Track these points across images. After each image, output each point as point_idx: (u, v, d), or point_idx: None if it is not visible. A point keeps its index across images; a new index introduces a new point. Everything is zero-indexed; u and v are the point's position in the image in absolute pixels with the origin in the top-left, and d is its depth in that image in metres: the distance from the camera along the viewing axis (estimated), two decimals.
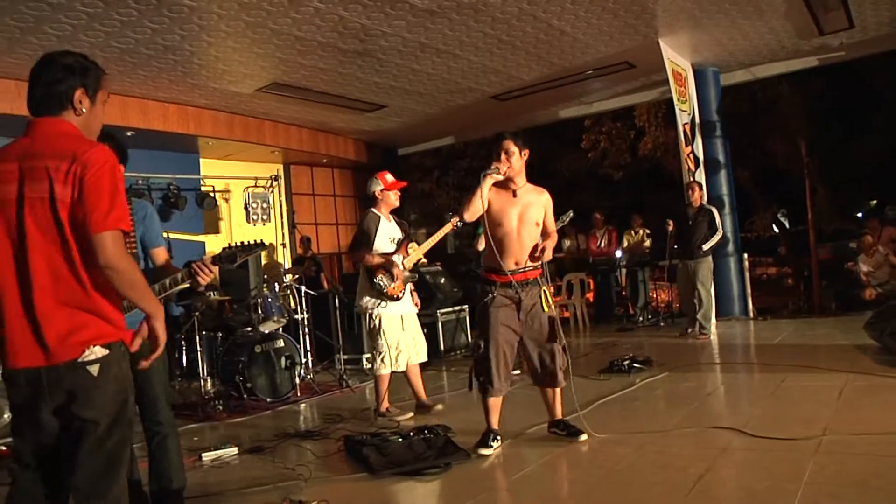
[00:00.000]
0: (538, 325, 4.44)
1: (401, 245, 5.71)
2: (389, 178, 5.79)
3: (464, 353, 9.17)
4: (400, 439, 4.50)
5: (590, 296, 12.53)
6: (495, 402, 4.49)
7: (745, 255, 10.87)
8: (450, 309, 9.30)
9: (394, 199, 5.74)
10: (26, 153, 2.27)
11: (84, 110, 2.40)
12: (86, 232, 2.18)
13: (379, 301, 5.59)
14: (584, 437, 4.42)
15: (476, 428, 4.59)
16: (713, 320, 8.98)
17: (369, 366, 5.82)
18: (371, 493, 3.86)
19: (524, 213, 4.42)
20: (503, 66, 9.51)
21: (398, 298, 5.62)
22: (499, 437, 4.47)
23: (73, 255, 2.22)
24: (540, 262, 4.43)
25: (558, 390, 4.54)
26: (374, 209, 5.75)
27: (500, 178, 4.32)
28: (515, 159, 4.37)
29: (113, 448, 2.25)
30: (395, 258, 5.61)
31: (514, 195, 4.45)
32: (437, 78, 9.70)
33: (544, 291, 4.45)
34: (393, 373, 5.73)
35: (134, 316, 2.52)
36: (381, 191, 5.72)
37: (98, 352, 2.24)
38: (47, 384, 2.21)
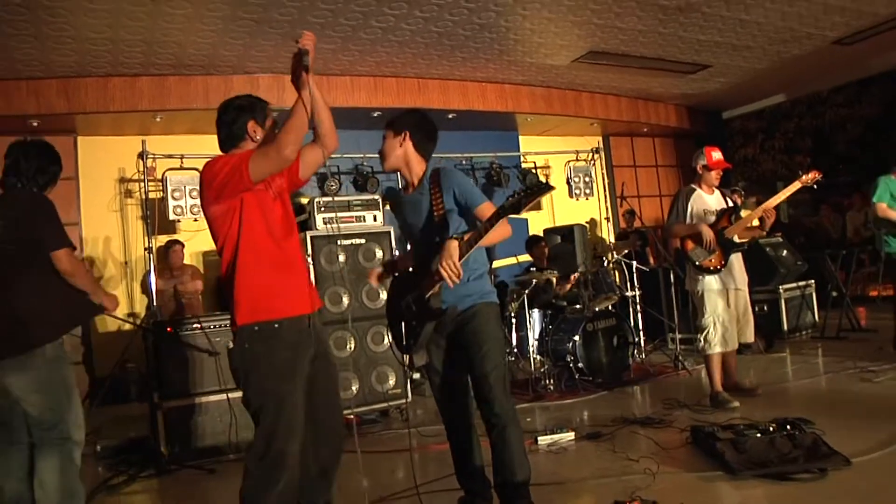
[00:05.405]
0: None
1: (722, 216, 5.40)
2: (716, 155, 5.48)
3: (810, 335, 8.13)
4: (758, 434, 3.91)
5: None
6: None
7: None
8: (793, 284, 8.35)
9: (714, 178, 5.48)
10: None
11: (258, 137, 2.85)
12: None
13: (699, 275, 5.32)
14: None
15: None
16: None
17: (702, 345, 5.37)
18: (732, 497, 3.34)
19: None
20: (852, 2, 8.18)
21: (716, 271, 5.27)
22: None
23: None
24: None
25: None
26: (692, 184, 5.58)
27: None
28: None
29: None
30: (703, 227, 5.25)
31: None
32: (768, 27, 8.60)
33: None
34: None
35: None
36: (703, 166, 5.49)
37: None
38: None
